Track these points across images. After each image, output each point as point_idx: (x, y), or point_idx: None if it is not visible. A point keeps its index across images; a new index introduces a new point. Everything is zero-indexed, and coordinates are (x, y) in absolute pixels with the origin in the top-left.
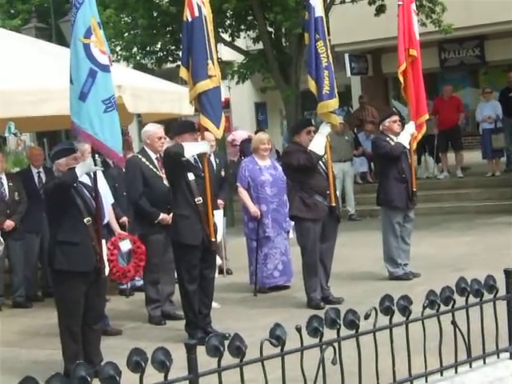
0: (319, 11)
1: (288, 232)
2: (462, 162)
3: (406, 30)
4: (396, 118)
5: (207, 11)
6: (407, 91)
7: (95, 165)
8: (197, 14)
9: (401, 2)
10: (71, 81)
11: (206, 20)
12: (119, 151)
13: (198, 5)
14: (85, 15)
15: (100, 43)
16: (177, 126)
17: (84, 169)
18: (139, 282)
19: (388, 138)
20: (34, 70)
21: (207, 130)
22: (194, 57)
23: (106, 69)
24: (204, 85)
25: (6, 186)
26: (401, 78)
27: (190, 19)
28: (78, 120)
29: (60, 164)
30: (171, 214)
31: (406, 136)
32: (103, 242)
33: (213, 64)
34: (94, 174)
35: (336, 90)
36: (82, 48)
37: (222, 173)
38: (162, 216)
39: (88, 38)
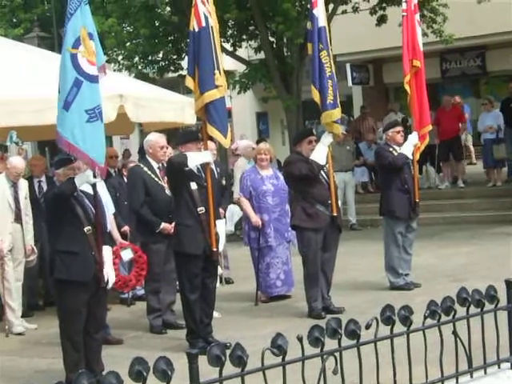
0: (322, 21)
1: (289, 241)
2: (464, 173)
3: (409, 41)
4: (399, 128)
5: (214, 21)
6: (410, 102)
7: (94, 176)
8: (204, 24)
9: (405, 13)
10: (58, 90)
11: (212, 30)
12: (101, 162)
13: (204, 15)
14: (75, 25)
15: (89, 54)
16: (180, 136)
17: (83, 179)
18: (140, 292)
19: (391, 149)
20: (35, 80)
21: (211, 139)
22: (201, 67)
23: (92, 79)
24: (211, 94)
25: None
26: (407, 88)
27: (196, 29)
28: (61, 129)
29: (58, 174)
30: (173, 224)
31: (409, 147)
32: (108, 249)
33: (219, 74)
34: (94, 184)
35: (339, 100)
36: (69, 58)
37: (223, 181)
38: (164, 225)
39: (76, 48)
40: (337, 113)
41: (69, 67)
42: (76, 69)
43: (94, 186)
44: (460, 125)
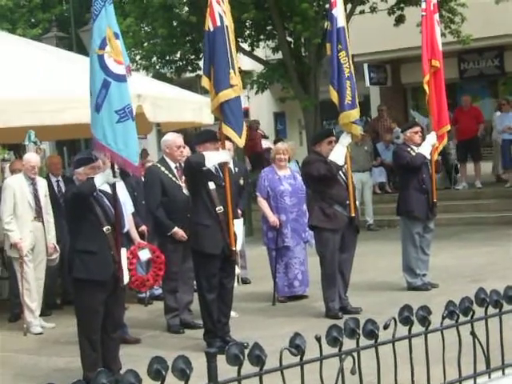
0: (341, 22)
1: (306, 242)
2: (481, 173)
3: (428, 41)
4: (418, 128)
5: (229, 21)
6: (429, 102)
7: (114, 176)
8: (218, 23)
9: (424, 13)
10: (90, 93)
11: (227, 29)
12: (134, 161)
13: (219, 14)
14: (100, 26)
15: (116, 53)
16: (198, 136)
17: (103, 179)
18: (158, 291)
19: (409, 149)
20: (54, 79)
21: (228, 139)
22: (216, 66)
23: (120, 78)
24: (226, 94)
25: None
26: (426, 89)
27: (211, 29)
28: (94, 131)
29: (79, 173)
30: (182, 232)
31: (427, 147)
32: (123, 250)
33: (234, 73)
34: (114, 183)
35: (357, 100)
36: (97, 60)
37: (241, 181)
38: (175, 230)
39: (102, 49)
40: (355, 113)
41: (97, 69)
42: (103, 70)
43: (113, 185)
44: (478, 125)
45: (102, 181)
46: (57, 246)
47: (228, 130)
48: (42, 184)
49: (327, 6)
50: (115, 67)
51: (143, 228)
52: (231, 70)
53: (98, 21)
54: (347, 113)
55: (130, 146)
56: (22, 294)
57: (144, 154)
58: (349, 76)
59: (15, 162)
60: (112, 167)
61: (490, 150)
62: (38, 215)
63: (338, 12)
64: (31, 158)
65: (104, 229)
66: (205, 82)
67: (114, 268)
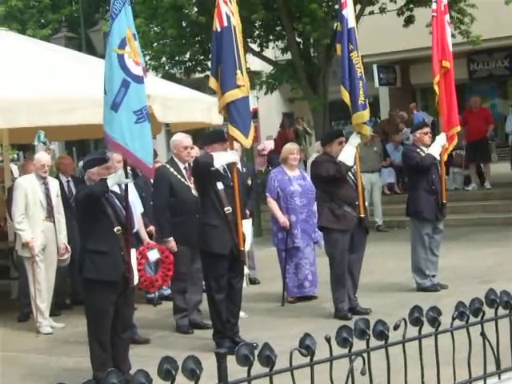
0: (352, 22)
1: (316, 242)
2: (490, 174)
3: (439, 42)
4: (427, 129)
5: (236, 21)
6: (439, 103)
7: (126, 177)
8: (226, 23)
9: (434, 14)
10: (105, 91)
11: (234, 30)
12: (149, 162)
13: (227, 14)
14: (120, 26)
15: (135, 54)
16: (206, 136)
17: (115, 180)
18: (167, 291)
19: (418, 150)
20: (64, 79)
21: (236, 139)
22: (223, 66)
23: (139, 80)
24: (232, 94)
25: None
26: (436, 89)
27: (219, 29)
28: (109, 130)
29: (92, 173)
30: (173, 243)
31: (437, 148)
32: (133, 251)
33: (241, 74)
34: (126, 184)
35: (368, 101)
36: (116, 59)
37: (249, 181)
38: (171, 239)
39: (122, 48)
40: (367, 114)
41: (116, 68)
42: (123, 69)
43: (125, 186)
44: (487, 126)
45: (114, 182)
46: (68, 246)
47: (234, 131)
48: (53, 184)
49: (336, 6)
50: (134, 68)
51: (151, 228)
52: (238, 71)
53: (117, 20)
54: (360, 113)
55: (146, 147)
56: (34, 296)
57: (153, 154)
58: (360, 76)
59: (27, 163)
60: (124, 168)
61: (506, 151)
62: (50, 215)
63: (349, 13)
64: (41, 157)
65: (115, 229)
66: (212, 83)
67: (124, 268)
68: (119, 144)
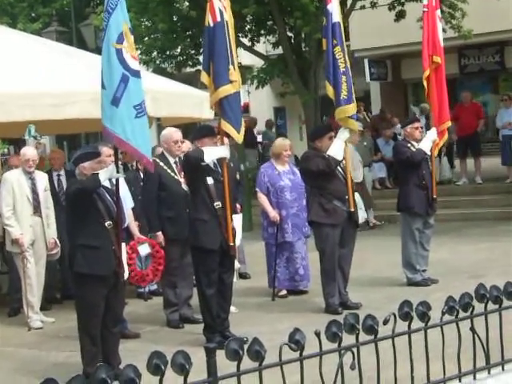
0: (336, 17)
1: (308, 237)
2: (481, 169)
3: (430, 37)
4: (418, 124)
5: (229, 16)
6: (430, 98)
7: (118, 171)
8: (219, 18)
9: (426, 9)
10: (103, 86)
11: (227, 25)
12: (150, 156)
13: (219, 9)
14: (117, 20)
15: (132, 49)
16: (197, 131)
17: (107, 175)
18: (153, 287)
19: (409, 144)
20: (55, 73)
21: (227, 134)
22: (216, 61)
23: (136, 74)
24: (225, 89)
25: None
26: (425, 84)
27: (211, 24)
28: (110, 125)
29: (84, 167)
30: (162, 238)
31: (428, 143)
32: (123, 245)
33: (234, 69)
34: (117, 179)
35: (354, 95)
36: (115, 53)
37: (237, 176)
38: (159, 234)
39: (120, 43)
40: (351, 108)
41: (115, 62)
42: (122, 64)
43: (116, 181)
44: (478, 121)
45: (106, 176)
46: (57, 241)
47: (227, 126)
48: (40, 178)
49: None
50: (132, 63)
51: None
52: (231, 66)
53: (114, 15)
54: (343, 108)
55: (146, 141)
56: (25, 291)
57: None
58: (344, 71)
59: (13, 158)
60: (115, 162)
61: (496, 146)
62: (36, 210)
63: (333, 7)
64: (27, 151)
65: (106, 224)
66: (204, 78)
67: (115, 263)
68: (122, 139)
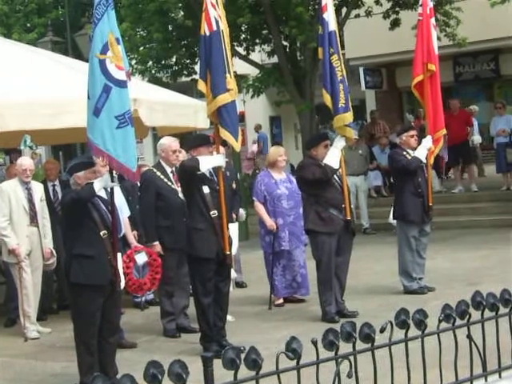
0: (333, 26)
1: (306, 245)
2: (474, 176)
3: (424, 45)
4: (413, 132)
5: (224, 25)
6: (425, 106)
7: (112, 180)
8: (215, 27)
9: (420, 17)
10: (88, 96)
11: (223, 34)
12: (132, 167)
13: (215, 19)
14: (102, 31)
15: (117, 59)
16: (192, 140)
17: (101, 184)
18: (150, 296)
19: (405, 152)
20: (50, 84)
21: (223, 143)
22: (213, 70)
23: (121, 84)
24: (223, 98)
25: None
26: (414, 92)
27: (207, 33)
28: (91, 135)
29: (79, 177)
30: (158, 247)
31: (423, 150)
32: (119, 255)
33: (230, 78)
34: (111, 188)
35: (350, 104)
36: (98, 64)
37: (234, 185)
38: (157, 244)
39: (104, 53)
40: (349, 116)
41: (97, 73)
42: (105, 75)
43: (111, 190)
44: (468, 129)
45: (101, 186)
46: (53, 251)
47: (226, 134)
48: (37, 188)
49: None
50: (116, 73)
51: (134, 233)
52: (227, 74)
53: (100, 25)
54: (341, 116)
55: (129, 151)
56: (22, 301)
57: (139, 158)
58: (341, 79)
59: (11, 168)
60: (110, 172)
61: (485, 154)
62: (33, 220)
63: (329, 16)
64: (23, 161)
65: (101, 233)
66: (201, 86)
67: (110, 272)
68: (100, 149)
